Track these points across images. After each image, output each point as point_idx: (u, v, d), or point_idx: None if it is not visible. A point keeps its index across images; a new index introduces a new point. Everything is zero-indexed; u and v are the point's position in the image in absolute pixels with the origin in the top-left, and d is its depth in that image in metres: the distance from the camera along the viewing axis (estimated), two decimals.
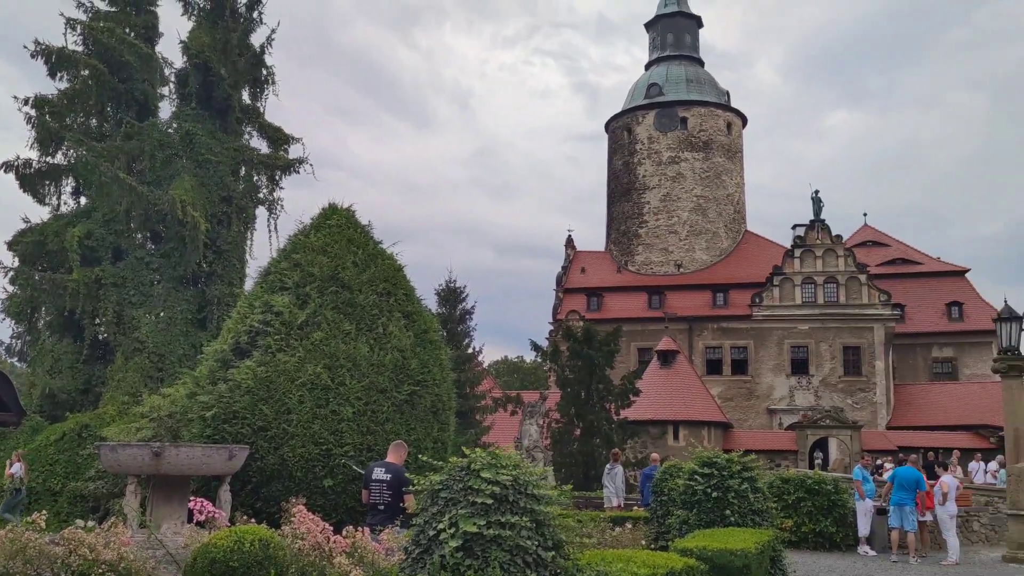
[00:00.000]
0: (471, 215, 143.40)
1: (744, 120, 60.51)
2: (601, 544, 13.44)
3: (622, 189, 58.68)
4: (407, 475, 8.08)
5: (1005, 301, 18.58)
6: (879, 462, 29.44)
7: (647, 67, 61.73)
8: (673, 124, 57.31)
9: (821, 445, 43.26)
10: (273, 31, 29.93)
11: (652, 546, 13.00)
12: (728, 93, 60.32)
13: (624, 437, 31.03)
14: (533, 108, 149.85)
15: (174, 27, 46.87)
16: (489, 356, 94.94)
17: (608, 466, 21.26)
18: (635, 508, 19.04)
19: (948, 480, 17.01)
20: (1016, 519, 17.06)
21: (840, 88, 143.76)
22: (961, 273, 56.36)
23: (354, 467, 11.09)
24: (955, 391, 47.89)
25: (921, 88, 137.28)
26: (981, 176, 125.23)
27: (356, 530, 7.83)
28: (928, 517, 17.41)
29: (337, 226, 13.40)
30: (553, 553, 5.75)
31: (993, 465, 28.99)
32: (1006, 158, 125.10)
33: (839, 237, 51.10)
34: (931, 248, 70.55)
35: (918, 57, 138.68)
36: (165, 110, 30.15)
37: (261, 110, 30.58)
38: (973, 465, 29.76)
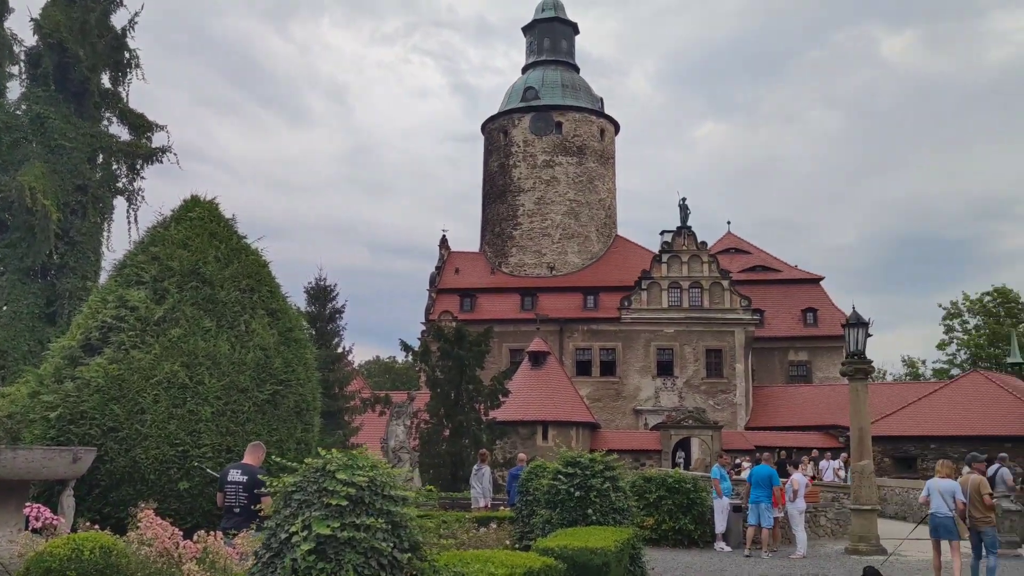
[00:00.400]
0: (346, 213, 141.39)
1: (617, 127, 61.89)
2: (465, 545, 13.42)
3: (497, 191, 59.03)
4: (260, 476, 7.84)
5: (853, 308, 19.60)
6: (737, 461, 30.49)
7: (524, 71, 62.31)
8: (548, 128, 58.06)
9: (684, 445, 44.65)
10: (136, 13, 28.62)
11: (517, 546, 13.06)
12: (602, 100, 61.55)
13: (493, 438, 31.18)
14: (411, 107, 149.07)
15: (25, 2, 44.29)
16: (361, 356, 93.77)
17: (476, 467, 21.31)
18: (502, 508, 19.13)
19: (798, 478, 17.84)
20: (858, 514, 18.03)
21: (708, 100, 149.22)
22: (816, 281, 59.26)
23: (207, 470, 10.69)
24: (809, 393, 50.31)
25: (782, 104, 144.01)
26: (836, 189, 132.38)
27: (208, 534, 7.54)
28: (780, 513, 18.20)
29: (199, 219, 12.92)
30: (410, 555, 5.67)
31: (836, 463, 30.60)
32: (859, 173, 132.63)
33: (704, 244, 52.90)
34: (790, 256, 74.02)
35: (780, 74, 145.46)
36: (14, 91, 28.31)
37: (123, 96, 29.10)
38: (824, 463, 31.29)
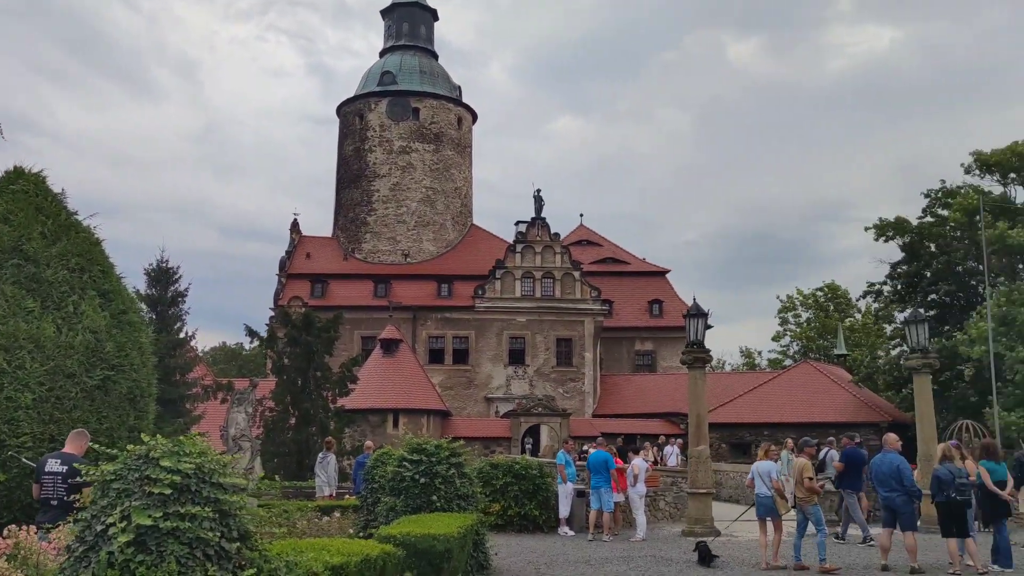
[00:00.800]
0: (195, 194, 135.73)
1: (475, 116, 62.04)
2: (306, 534, 13.16)
3: (352, 175, 58.10)
4: (76, 465, 7.39)
5: (694, 299, 20.40)
6: (584, 448, 31.21)
7: (382, 54, 61.52)
8: (405, 114, 57.57)
9: (533, 432, 45.40)
10: None
11: (361, 534, 12.90)
12: (460, 88, 61.53)
13: (342, 426, 30.72)
14: (265, 86, 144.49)
15: None
16: (207, 342, 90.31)
17: (321, 455, 20.94)
18: (347, 497, 18.89)
19: (639, 463, 18.40)
20: (695, 497, 18.80)
21: (565, 95, 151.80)
22: (662, 274, 61.41)
23: (25, 460, 10.01)
24: (653, 381, 52.14)
25: (636, 102, 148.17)
26: (685, 187, 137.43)
27: (21, 529, 7.04)
28: (622, 497, 18.73)
29: (23, 192, 12.04)
30: (239, 544, 5.46)
31: (669, 449, 31.84)
32: (706, 173, 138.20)
33: (557, 235, 53.85)
34: (639, 250, 76.43)
35: (634, 74, 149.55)
36: None
37: None
38: (668, 449, 32.44)
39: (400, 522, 10.30)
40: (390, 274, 54.11)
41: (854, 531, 17.40)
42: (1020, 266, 40.84)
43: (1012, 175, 42.44)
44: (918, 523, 13.87)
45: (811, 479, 13.14)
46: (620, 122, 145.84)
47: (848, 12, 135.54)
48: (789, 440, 24.86)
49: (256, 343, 33.39)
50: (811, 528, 13.30)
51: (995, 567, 12.81)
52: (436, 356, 52.04)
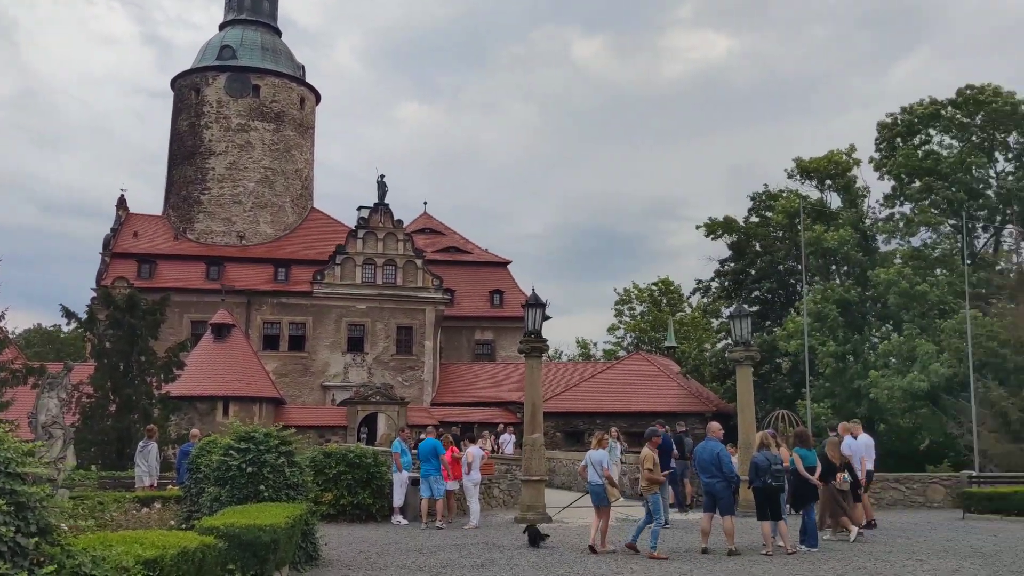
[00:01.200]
0: (9, 165, 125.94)
1: (318, 97, 60.54)
2: (122, 526, 12.44)
3: (186, 152, 55.47)
4: None
5: (533, 290, 20.68)
6: (421, 436, 31.19)
7: (221, 28, 58.96)
8: (245, 90, 55.46)
9: (371, 420, 44.89)
10: None
11: (183, 526, 12.34)
12: (304, 68, 59.88)
13: (167, 413, 29.35)
14: (93, 53, 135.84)
15: None
16: (21, 323, 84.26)
17: (142, 443, 19.90)
18: (170, 487, 18.03)
19: (474, 451, 18.48)
20: (528, 484, 19.05)
21: (413, 82, 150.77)
22: (504, 265, 62.05)
23: None
24: (492, 371, 52.65)
25: (484, 93, 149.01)
26: (529, 180, 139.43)
27: None
28: (456, 485, 18.76)
29: None
30: (37, 539, 5.04)
31: (505, 437, 32.30)
32: (550, 167, 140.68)
33: (400, 222, 53.38)
34: (482, 240, 76.64)
35: (482, 64, 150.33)
36: None
37: None
38: (504, 437, 32.84)
39: (224, 513, 9.91)
40: (224, 256, 52.04)
41: (683, 516, 18.09)
42: (833, 267, 43.83)
43: (828, 182, 45.46)
44: (736, 507, 14.57)
45: (650, 470, 13.50)
46: (467, 112, 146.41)
47: (687, 19, 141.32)
48: (614, 429, 25.76)
49: (75, 325, 31.23)
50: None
51: (803, 547, 13.62)
52: (271, 342, 50.53)
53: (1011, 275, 40.04)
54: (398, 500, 18.60)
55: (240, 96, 55.28)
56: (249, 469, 11.33)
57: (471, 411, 46.13)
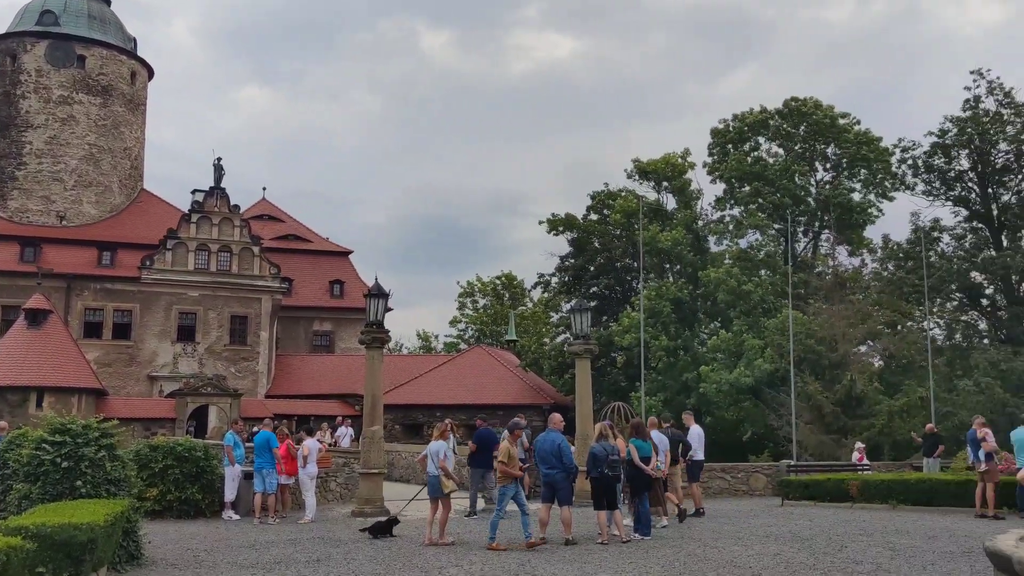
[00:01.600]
0: None
1: (151, 72, 57.36)
2: None
3: (0, 123, 51.33)
4: None
5: (376, 279, 20.32)
6: (255, 429, 30.20)
7: None
8: (69, 60, 51.81)
9: (201, 412, 43.04)
10: None
11: None
12: (136, 40, 56.59)
13: None
14: None
15: None
16: None
17: None
18: None
19: (309, 443, 17.95)
20: (366, 477, 18.75)
21: (253, 64, 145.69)
22: (346, 254, 60.96)
23: None
24: (331, 362, 51.62)
25: (328, 80, 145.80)
26: (372, 170, 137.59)
27: None
28: (291, 480, 18.21)
29: None
30: None
31: (343, 430, 31.73)
32: (394, 157, 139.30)
33: (237, 207, 51.37)
34: (323, 229, 75.14)
35: (327, 50, 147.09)
36: None
37: None
38: (341, 430, 32.18)
39: (36, 511, 9.18)
40: (41, 237, 48.48)
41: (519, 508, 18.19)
42: (667, 265, 45.52)
43: (665, 183, 47.17)
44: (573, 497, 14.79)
45: (503, 463, 13.44)
46: (310, 98, 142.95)
47: (534, 18, 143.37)
48: (447, 420, 25.78)
49: None
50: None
51: (636, 535, 13.99)
52: (93, 330, 47.51)
53: (827, 277, 42.88)
54: (230, 495, 17.87)
55: (63, 66, 51.64)
56: (64, 464, 10.53)
57: (308, 403, 45.07)
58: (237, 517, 17.60)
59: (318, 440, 20.34)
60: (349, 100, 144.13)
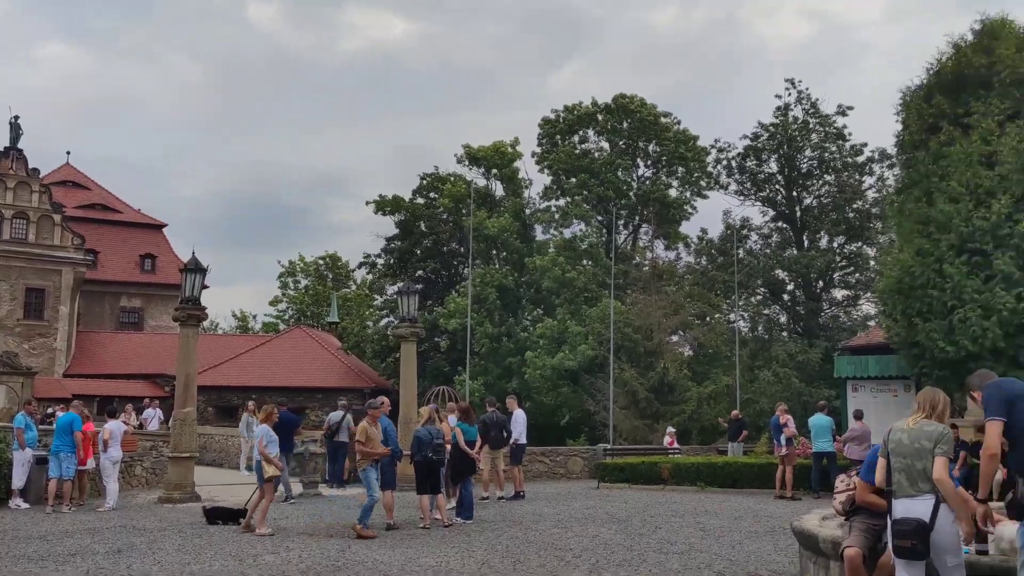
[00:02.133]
0: None
1: None
2: None
3: None
4: None
5: (193, 253, 19.24)
6: (50, 410, 28.26)
7: None
8: None
9: None
10: None
11: None
12: None
13: None
14: None
15: None
16: None
17: None
18: None
19: (111, 426, 16.74)
20: (176, 461, 17.75)
21: (58, 19, 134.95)
22: (159, 227, 57.77)
23: None
24: (139, 340, 48.78)
25: (144, 42, 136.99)
26: (190, 141, 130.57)
27: None
28: (92, 466, 16.95)
29: None
30: None
31: (150, 412, 30.05)
32: (214, 129, 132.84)
33: (36, 171, 47.46)
34: (135, 200, 70.48)
35: (144, 11, 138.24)
36: None
37: None
38: (148, 412, 30.43)
39: None
40: None
41: (341, 492, 17.78)
42: (494, 252, 45.87)
43: (494, 171, 47.47)
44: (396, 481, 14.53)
45: (361, 443, 12.92)
46: (123, 60, 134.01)
47: None
48: (250, 403, 24.99)
49: None
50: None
51: (459, 519, 13.93)
52: None
53: (645, 269, 44.55)
54: (19, 482, 16.40)
55: None
56: None
57: (112, 384, 42.35)
58: (27, 506, 16.19)
59: (123, 422, 19.08)
60: (168, 65, 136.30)
